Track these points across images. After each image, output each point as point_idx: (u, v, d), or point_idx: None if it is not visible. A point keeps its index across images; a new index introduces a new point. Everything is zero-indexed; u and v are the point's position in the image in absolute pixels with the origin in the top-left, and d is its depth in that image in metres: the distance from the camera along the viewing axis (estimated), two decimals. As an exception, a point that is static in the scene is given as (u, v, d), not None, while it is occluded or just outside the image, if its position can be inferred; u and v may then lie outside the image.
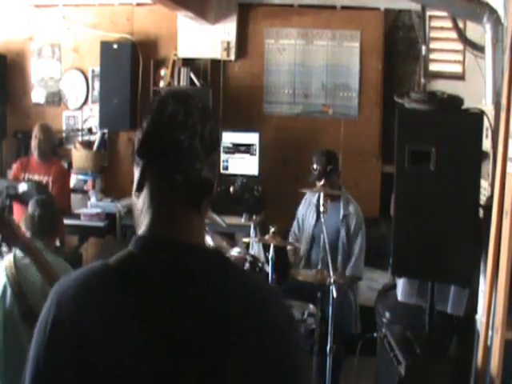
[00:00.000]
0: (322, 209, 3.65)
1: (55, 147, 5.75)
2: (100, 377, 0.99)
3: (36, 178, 4.68)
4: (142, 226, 1.11)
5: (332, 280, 3.32)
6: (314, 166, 4.24)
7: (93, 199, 5.59)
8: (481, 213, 2.64)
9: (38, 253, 2.49)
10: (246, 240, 4.24)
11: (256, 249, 4.17)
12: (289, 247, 4.36)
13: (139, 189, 1.12)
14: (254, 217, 5.16)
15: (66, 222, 4.95)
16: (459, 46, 4.48)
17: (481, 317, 2.48)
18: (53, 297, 1.06)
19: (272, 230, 3.71)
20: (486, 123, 2.61)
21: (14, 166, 4.99)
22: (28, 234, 3.01)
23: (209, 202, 1.13)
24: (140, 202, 1.12)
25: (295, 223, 4.48)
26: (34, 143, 4.79)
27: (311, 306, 3.65)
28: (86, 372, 0.99)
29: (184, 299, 1.04)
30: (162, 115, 1.09)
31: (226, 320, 1.04)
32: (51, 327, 1.03)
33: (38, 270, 2.38)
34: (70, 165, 5.89)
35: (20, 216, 3.72)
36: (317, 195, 4.11)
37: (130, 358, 1.00)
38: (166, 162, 1.08)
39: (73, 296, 1.04)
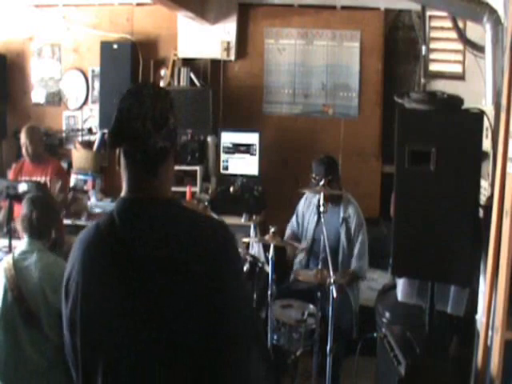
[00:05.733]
0: (322, 209, 3.64)
1: (52, 146, 5.75)
2: (94, 313, 1.41)
3: (33, 179, 4.61)
4: (122, 191, 1.50)
5: (332, 280, 3.32)
6: (314, 175, 4.14)
7: (93, 199, 5.59)
8: (481, 213, 2.64)
9: None
10: (245, 240, 4.22)
11: (256, 249, 4.17)
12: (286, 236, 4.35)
13: (118, 164, 1.51)
14: (254, 217, 5.15)
15: (66, 222, 4.96)
16: (459, 46, 4.47)
17: (481, 317, 2.48)
18: (70, 255, 1.51)
19: (272, 230, 3.70)
20: (486, 123, 2.61)
21: (11, 172, 4.97)
22: (25, 235, 3.00)
23: (170, 161, 1.51)
24: (122, 174, 1.50)
25: (294, 219, 4.44)
26: (23, 149, 4.69)
27: (311, 306, 3.65)
28: (85, 313, 1.42)
29: (146, 241, 1.42)
30: (121, 111, 1.44)
31: (175, 252, 1.40)
32: (65, 283, 1.48)
33: None
34: (70, 165, 5.89)
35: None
36: (317, 197, 4.08)
37: (113, 296, 1.40)
38: (129, 146, 1.45)
39: (77, 255, 1.47)
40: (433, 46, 5.14)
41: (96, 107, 6.00)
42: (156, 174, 1.48)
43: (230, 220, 4.67)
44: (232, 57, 5.81)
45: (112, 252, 1.43)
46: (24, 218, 2.99)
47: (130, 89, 1.48)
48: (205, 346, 1.39)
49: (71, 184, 5.68)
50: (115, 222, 1.44)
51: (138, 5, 5.94)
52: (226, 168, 5.61)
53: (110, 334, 1.40)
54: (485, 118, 2.58)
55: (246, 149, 5.56)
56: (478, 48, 3.53)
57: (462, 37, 3.92)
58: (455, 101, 2.70)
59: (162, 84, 5.86)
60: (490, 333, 2.36)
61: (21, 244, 3.00)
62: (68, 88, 6.15)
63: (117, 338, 1.40)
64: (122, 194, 1.49)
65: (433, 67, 5.19)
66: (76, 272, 1.44)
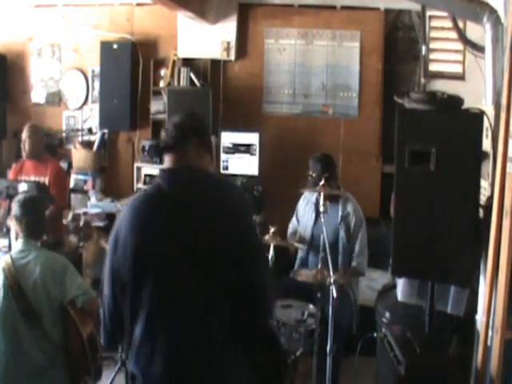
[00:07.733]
0: (321, 209, 3.64)
1: (52, 146, 5.75)
2: (149, 256, 1.90)
3: (32, 179, 4.60)
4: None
5: (332, 280, 3.32)
6: (310, 172, 4.15)
7: (93, 199, 5.59)
8: (481, 213, 2.64)
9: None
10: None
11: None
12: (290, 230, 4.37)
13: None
14: (254, 217, 5.15)
15: (66, 221, 4.96)
16: (459, 45, 4.47)
17: (481, 317, 2.48)
18: (120, 214, 2.04)
19: (272, 229, 3.70)
20: (486, 123, 2.61)
21: (11, 172, 4.96)
22: (20, 235, 3.00)
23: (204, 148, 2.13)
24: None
25: (294, 218, 4.44)
26: (23, 147, 4.65)
27: (311, 306, 3.65)
28: (140, 255, 1.89)
29: (189, 200, 1.96)
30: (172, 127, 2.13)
31: (209, 207, 1.96)
32: (116, 232, 1.96)
33: None
34: (70, 165, 5.89)
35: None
36: (315, 195, 4.08)
37: (167, 239, 1.92)
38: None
39: (129, 209, 1.99)
40: (433, 46, 5.14)
41: (96, 107, 6.00)
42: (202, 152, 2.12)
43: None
44: (232, 57, 5.81)
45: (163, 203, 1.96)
46: (15, 220, 3.00)
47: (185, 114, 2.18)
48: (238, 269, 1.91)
49: (71, 184, 5.69)
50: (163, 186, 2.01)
51: (138, 5, 5.95)
52: (226, 168, 5.61)
53: (160, 261, 1.89)
54: (485, 118, 2.58)
55: (246, 149, 5.56)
56: (478, 48, 3.53)
57: (462, 37, 3.92)
58: (455, 101, 2.70)
59: (161, 84, 5.87)
60: (490, 333, 2.36)
61: (17, 244, 3.01)
62: (68, 88, 6.16)
63: (166, 264, 1.89)
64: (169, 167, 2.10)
65: (433, 67, 5.18)
66: (129, 217, 1.95)
